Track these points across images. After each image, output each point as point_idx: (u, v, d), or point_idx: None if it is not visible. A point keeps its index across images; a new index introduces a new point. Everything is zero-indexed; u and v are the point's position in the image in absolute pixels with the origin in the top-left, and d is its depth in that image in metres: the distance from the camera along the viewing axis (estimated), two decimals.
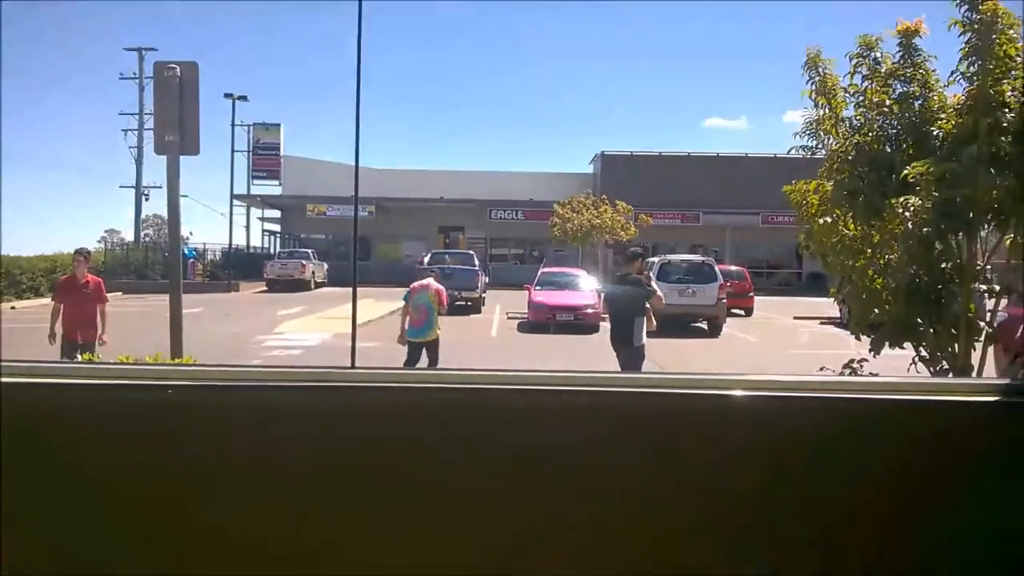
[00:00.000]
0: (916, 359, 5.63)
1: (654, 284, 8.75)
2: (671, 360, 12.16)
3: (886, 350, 5.61)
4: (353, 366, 2.01)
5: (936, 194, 4.91)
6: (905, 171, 4.99)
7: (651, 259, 19.95)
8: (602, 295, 9.20)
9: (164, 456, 1.76)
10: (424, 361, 9.51)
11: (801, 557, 1.77)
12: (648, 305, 8.50)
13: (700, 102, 60.16)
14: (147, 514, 1.75)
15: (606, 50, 54.94)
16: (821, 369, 5.85)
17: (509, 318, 19.03)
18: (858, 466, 1.76)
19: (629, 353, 8.27)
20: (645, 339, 8.36)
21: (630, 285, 8.54)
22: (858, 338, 5.89)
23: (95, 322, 8.76)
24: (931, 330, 5.42)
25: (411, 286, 9.88)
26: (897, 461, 1.77)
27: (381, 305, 20.85)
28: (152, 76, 8.29)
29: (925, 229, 5.04)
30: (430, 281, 9.77)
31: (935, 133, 5.35)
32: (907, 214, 5.01)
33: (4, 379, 1.75)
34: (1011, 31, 5.02)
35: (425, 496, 1.76)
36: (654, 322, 8.62)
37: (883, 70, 5.65)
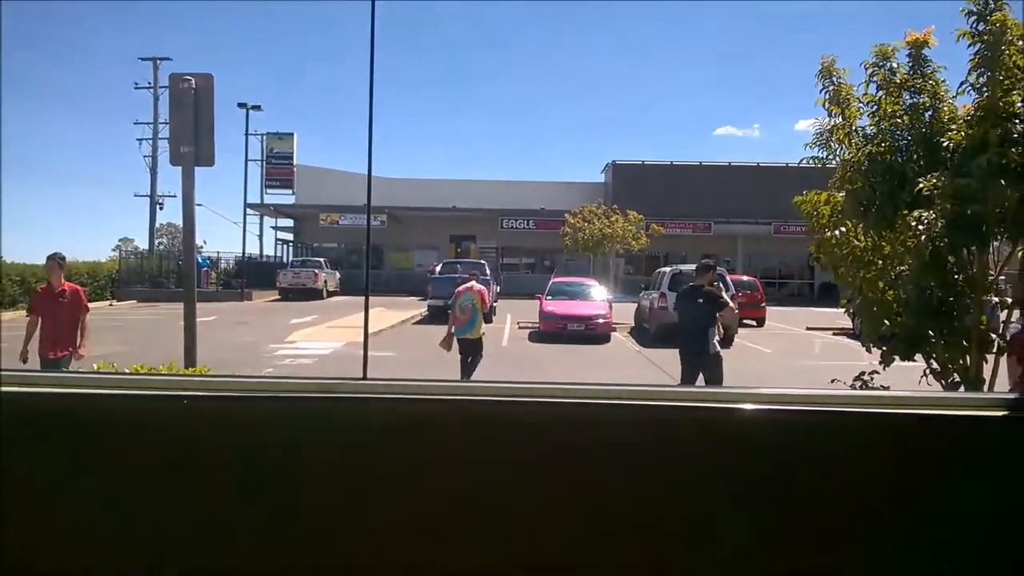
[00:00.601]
0: (927, 372, 5.60)
1: (726, 296, 8.89)
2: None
3: (898, 362, 5.59)
4: (365, 377, 2.02)
5: (949, 208, 4.89)
6: (919, 185, 4.97)
7: (662, 269, 19.94)
8: (672, 307, 9.44)
9: (178, 467, 1.78)
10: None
11: (810, 571, 1.77)
12: (719, 315, 8.78)
13: (712, 111, 60.34)
14: (161, 523, 1.77)
15: (617, 59, 55.09)
16: (832, 382, 5.84)
17: (520, 328, 19.03)
18: (867, 481, 1.76)
19: (708, 362, 8.53)
20: (718, 346, 8.68)
21: (703, 297, 8.69)
22: (869, 350, 5.87)
23: (74, 335, 7.76)
24: (942, 342, 5.39)
25: (456, 290, 10.72)
26: (907, 476, 1.77)
27: (393, 314, 20.96)
28: (167, 86, 8.30)
29: (938, 243, 5.01)
30: (472, 283, 10.58)
31: (945, 144, 5.32)
32: (920, 228, 4.98)
33: (4, 388, 1.77)
34: (1020, 42, 5.00)
35: (437, 507, 1.77)
36: (722, 330, 8.82)
37: (897, 80, 5.64)
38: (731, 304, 9.01)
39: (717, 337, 8.64)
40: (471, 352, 10.45)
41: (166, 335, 11.70)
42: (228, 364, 11.40)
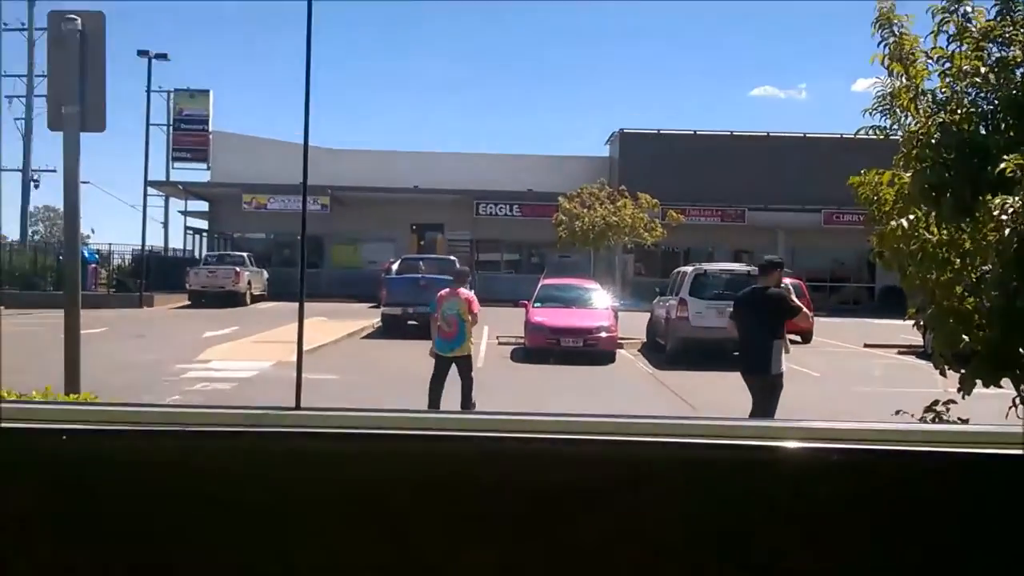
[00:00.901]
0: (1017, 401, 5.64)
1: (796, 300, 8.90)
2: (710, 402, 12.18)
3: (980, 388, 5.62)
4: (298, 407, 2.02)
5: None
6: (1002, 164, 5.00)
7: (683, 269, 20.00)
8: (730, 313, 9.47)
9: (54, 515, 1.76)
10: (452, 375, 10.49)
11: None
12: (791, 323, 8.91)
13: (747, 67, 60.51)
14: None
15: (626, 3, 55.20)
16: (897, 413, 5.88)
17: (500, 343, 19.02)
18: (942, 536, 1.78)
19: (767, 384, 8.54)
20: (784, 366, 8.64)
21: (769, 301, 8.72)
22: (943, 373, 5.90)
23: None
24: None
25: (438, 294, 10.88)
26: (990, 531, 1.78)
27: (336, 325, 20.90)
28: (46, 28, 8.24)
29: None
30: (460, 288, 10.74)
31: None
32: (1004, 217, 5.01)
33: None
34: None
35: (385, 566, 1.77)
36: (789, 346, 8.83)
37: (975, 29, 5.66)
38: (805, 310, 9.03)
39: (784, 354, 8.64)
40: (459, 372, 10.58)
41: (41, 351, 11.59)
42: (121, 390, 11.33)
